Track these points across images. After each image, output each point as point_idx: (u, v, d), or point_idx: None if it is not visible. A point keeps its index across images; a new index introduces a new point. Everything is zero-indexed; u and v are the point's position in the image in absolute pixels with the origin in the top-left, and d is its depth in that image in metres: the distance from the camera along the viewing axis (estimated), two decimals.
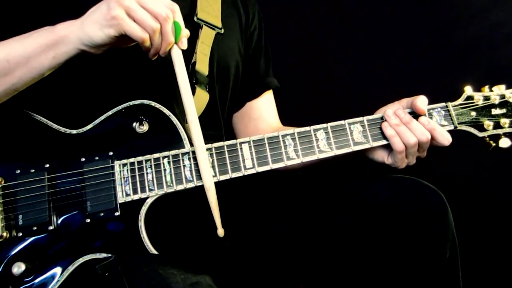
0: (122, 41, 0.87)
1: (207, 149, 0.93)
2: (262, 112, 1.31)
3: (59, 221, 0.91)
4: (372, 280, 1.01)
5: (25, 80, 0.89)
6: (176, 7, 0.89)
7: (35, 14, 0.98)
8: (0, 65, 0.86)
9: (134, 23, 0.83)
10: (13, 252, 0.88)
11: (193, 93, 1.08)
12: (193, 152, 0.93)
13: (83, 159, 0.93)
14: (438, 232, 0.96)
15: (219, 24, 1.17)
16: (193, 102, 0.92)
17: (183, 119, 1.07)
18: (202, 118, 1.10)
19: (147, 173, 0.92)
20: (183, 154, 0.93)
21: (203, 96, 1.10)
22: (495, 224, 1.71)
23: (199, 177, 0.92)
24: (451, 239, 0.97)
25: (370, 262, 1.01)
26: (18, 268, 0.86)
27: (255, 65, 1.31)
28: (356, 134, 0.98)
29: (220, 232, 0.93)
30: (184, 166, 0.93)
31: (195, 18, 1.13)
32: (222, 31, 1.17)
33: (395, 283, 0.97)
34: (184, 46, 0.92)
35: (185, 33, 0.91)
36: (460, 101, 1.01)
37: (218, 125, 1.19)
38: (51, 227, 0.89)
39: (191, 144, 0.95)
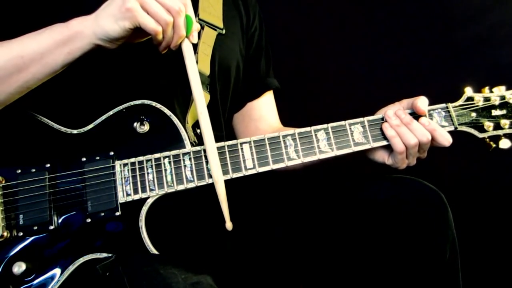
0: (136, 34, 0.87)
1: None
2: (262, 112, 1.31)
3: (60, 221, 0.91)
4: (373, 280, 1.01)
5: (38, 77, 0.88)
6: (188, 1, 0.89)
7: (42, 12, 0.98)
8: (14, 61, 0.86)
9: (148, 16, 0.84)
10: (13, 252, 0.88)
11: None
12: (194, 152, 0.93)
13: (84, 159, 0.93)
14: (438, 232, 0.96)
15: (220, 24, 1.17)
16: (203, 95, 0.93)
17: (184, 120, 1.07)
18: None
19: (148, 173, 0.92)
20: (184, 154, 0.94)
21: (204, 96, 1.10)
22: (495, 224, 1.71)
23: (200, 177, 0.92)
24: (451, 239, 0.97)
25: (371, 262, 1.01)
26: (19, 267, 0.86)
27: (256, 65, 1.31)
28: (356, 135, 0.98)
29: (229, 225, 0.93)
30: (185, 166, 0.93)
31: (196, 19, 1.13)
32: (224, 31, 1.17)
33: (395, 283, 0.98)
34: (195, 40, 0.93)
35: (196, 27, 0.92)
36: (460, 102, 1.01)
37: (219, 125, 1.19)
38: (51, 227, 0.89)
39: (192, 144, 0.95)
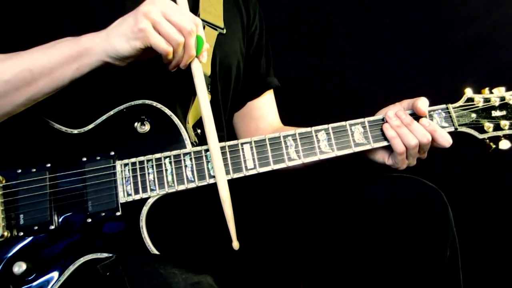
0: (146, 53, 0.87)
1: (208, 150, 0.94)
2: (263, 111, 1.31)
3: (60, 221, 0.91)
4: (373, 278, 1.01)
5: (46, 91, 0.89)
6: (199, 21, 0.90)
7: (41, 16, 0.97)
8: (23, 74, 0.86)
9: (159, 36, 0.84)
10: (14, 252, 0.88)
11: (196, 93, 1.08)
12: (195, 152, 0.93)
13: (84, 159, 0.93)
14: (438, 231, 0.96)
15: (221, 24, 1.17)
16: (212, 116, 0.93)
17: (184, 120, 1.07)
18: None
19: (148, 173, 0.92)
20: (185, 154, 0.94)
21: None
22: (495, 223, 1.71)
23: (201, 177, 0.93)
24: (451, 237, 0.97)
25: (371, 261, 1.01)
26: (19, 267, 0.86)
27: (256, 64, 1.31)
28: (357, 135, 0.98)
29: (235, 245, 0.93)
30: (186, 166, 0.93)
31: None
32: (224, 31, 1.17)
33: (396, 282, 0.98)
34: (205, 59, 0.93)
35: (206, 46, 0.92)
36: (460, 103, 1.01)
37: (220, 125, 1.19)
38: (52, 227, 0.89)
39: (192, 144, 0.95)
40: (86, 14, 0.95)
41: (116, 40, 0.85)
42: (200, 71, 0.93)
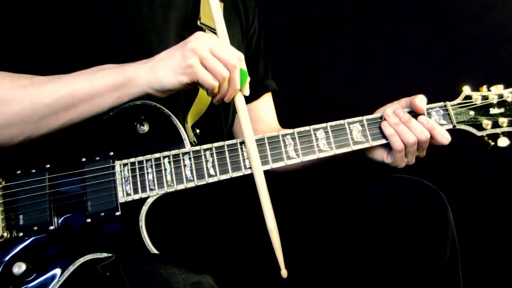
0: (189, 87, 0.89)
1: (208, 149, 0.94)
2: (261, 114, 1.32)
3: (60, 221, 0.91)
4: (373, 279, 1.01)
5: (83, 116, 0.89)
6: (242, 56, 0.92)
7: (48, 20, 0.97)
8: (64, 99, 0.86)
9: (206, 72, 0.86)
10: (13, 252, 0.88)
11: (196, 93, 1.08)
12: (194, 152, 0.94)
13: (83, 159, 0.93)
14: (438, 231, 0.96)
15: None
16: (256, 147, 0.93)
17: (183, 120, 1.07)
18: (204, 118, 1.11)
19: (147, 173, 0.93)
20: (184, 153, 0.94)
21: (205, 97, 1.10)
22: (495, 223, 1.71)
23: (200, 176, 0.93)
24: (451, 238, 0.97)
25: (371, 261, 1.01)
26: (19, 268, 0.86)
27: (254, 67, 1.31)
28: (355, 134, 0.98)
29: (284, 273, 0.92)
30: (185, 165, 0.93)
31: (198, 23, 1.13)
32: None
33: (395, 282, 0.98)
34: (247, 92, 0.95)
35: (248, 80, 0.94)
36: (458, 100, 1.02)
37: (220, 126, 1.19)
38: (51, 227, 0.89)
39: (191, 144, 0.95)
40: (91, 15, 0.95)
41: (162, 73, 0.86)
42: (243, 104, 0.94)
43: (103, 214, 0.91)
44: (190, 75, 0.85)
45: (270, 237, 0.90)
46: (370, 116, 1.00)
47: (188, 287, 0.78)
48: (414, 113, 0.99)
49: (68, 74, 0.88)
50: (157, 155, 0.93)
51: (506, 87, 1.02)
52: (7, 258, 0.88)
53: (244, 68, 0.93)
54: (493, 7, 1.62)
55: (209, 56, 0.86)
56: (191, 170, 0.93)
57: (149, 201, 0.92)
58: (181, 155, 0.94)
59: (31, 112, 0.85)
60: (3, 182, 0.91)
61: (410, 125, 0.96)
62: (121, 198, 0.91)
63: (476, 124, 1.01)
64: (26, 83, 0.86)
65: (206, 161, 0.93)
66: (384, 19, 1.74)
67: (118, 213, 0.91)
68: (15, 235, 0.89)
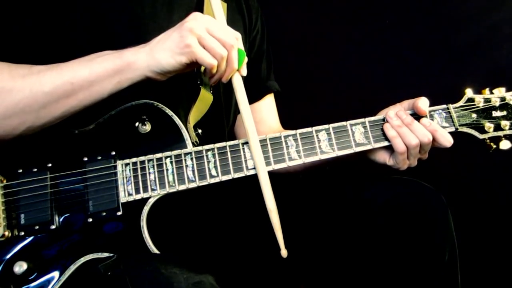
0: (187, 68, 0.89)
1: (210, 150, 0.94)
2: (263, 115, 1.32)
3: (61, 220, 0.91)
4: (372, 281, 1.01)
5: (84, 104, 0.89)
6: (239, 35, 0.92)
7: (52, 15, 0.97)
8: (64, 87, 0.86)
9: (205, 51, 0.86)
10: (14, 251, 0.88)
11: (198, 93, 1.08)
12: (196, 152, 0.93)
13: (85, 159, 0.93)
14: (438, 234, 0.96)
15: None
16: (255, 128, 0.94)
17: (185, 120, 1.07)
18: (206, 118, 1.11)
19: (149, 173, 0.92)
20: (186, 154, 0.94)
21: (207, 97, 1.10)
22: (495, 226, 1.71)
23: (202, 177, 0.93)
24: (450, 241, 0.97)
25: (370, 263, 1.01)
26: (20, 267, 0.86)
27: (257, 68, 1.31)
28: (357, 135, 0.98)
29: (284, 253, 0.93)
30: (187, 166, 0.93)
31: None
32: None
33: (395, 282, 0.98)
34: (245, 73, 0.95)
35: (246, 60, 0.94)
36: (461, 103, 1.02)
37: (222, 126, 1.19)
38: (53, 226, 0.89)
39: (193, 144, 0.95)
40: (95, 15, 0.95)
41: (161, 55, 0.86)
42: (241, 85, 0.95)
43: (104, 214, 0.90)
44: (189, 55, 0.85)
45: (270, 217, 0.91)
46: (372, 118, 1.00)
47: (189, 287, 0.78)
48: (417, 116, 0.99)
49: (67, 62, 0.88)
50: (159, 155, 0.93)
51: (508, 90, 1.02)
52: (8, 257, 0.88)
53: (242, 47, 0.92)
54: (500, 7, 1.62)
55: (207, 35, 0.86)
56: (193, 171, 0.93)
57: (151, 201, 0.92)
58: (183, 156, 0.94)
59: (31, 101, 0.85)
60: (5, 181, 0.91)
61: (413, 128, 0.96)
62: (123, 198, 0.91)
63: (478, 127, 1.00)
64: (25, 72, 0.86)
65: (208, 162, 0.93)
66: (386, 20, 1.74)
67: (119, 213, 0.91)
68: (16, 234, 0.89)
